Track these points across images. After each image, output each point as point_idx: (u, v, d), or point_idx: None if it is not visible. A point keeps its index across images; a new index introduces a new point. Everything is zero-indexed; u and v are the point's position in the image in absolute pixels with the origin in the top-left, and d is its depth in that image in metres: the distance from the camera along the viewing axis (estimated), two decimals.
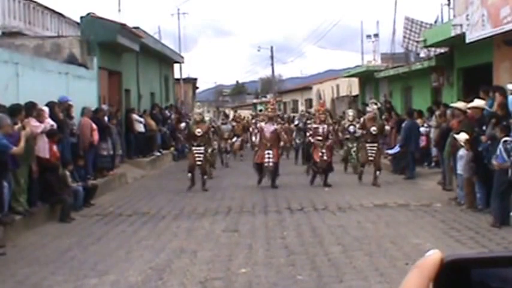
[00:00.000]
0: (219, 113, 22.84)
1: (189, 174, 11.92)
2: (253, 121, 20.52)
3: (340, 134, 14.84)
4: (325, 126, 12.27)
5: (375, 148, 12.39)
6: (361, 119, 13.26)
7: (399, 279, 2.86)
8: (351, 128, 14.19)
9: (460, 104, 10.09)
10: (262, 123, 12.45)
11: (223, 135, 16.50)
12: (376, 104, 13.40)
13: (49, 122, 9.51)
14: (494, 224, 7.69)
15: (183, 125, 13.22)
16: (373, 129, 12.32)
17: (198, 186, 11.91)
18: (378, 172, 12.19)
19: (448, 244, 6.80)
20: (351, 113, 15.25)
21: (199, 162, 11.85)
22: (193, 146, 12.04)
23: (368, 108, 13.12)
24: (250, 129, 22.22)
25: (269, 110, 12.82)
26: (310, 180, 12.18)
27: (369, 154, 12.29)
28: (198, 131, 11.86)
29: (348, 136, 14.48)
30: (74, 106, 11.55)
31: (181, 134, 13.53)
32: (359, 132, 12.81)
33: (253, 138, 13.14)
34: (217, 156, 16.27)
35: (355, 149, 14.27)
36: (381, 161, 12.89)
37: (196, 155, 11.86)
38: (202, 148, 11.91)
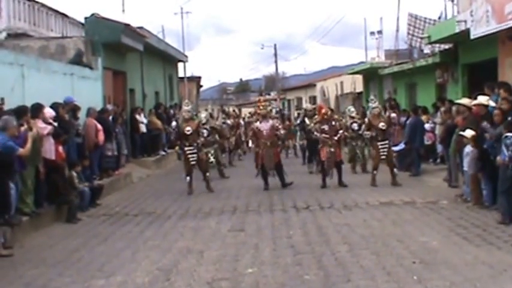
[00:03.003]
0: (223, 111, 22.68)
1: (187, 178, 11.55)
2: (251, 119, 20.35)
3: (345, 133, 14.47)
4: (332, 123, 11.87)
5: (387, 146, 11.89)
6: (366, 120, 12.65)
7: (406, 278, 2.92)
8: (355, 126, 13.93)
9: (465, 101, 10.04)
10: (257, 123, 11.95)
11: (226, 135, 16.24)
12: (374, 100, 12.71)
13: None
14: (502, 221, 7.66)
15: (174, 124, 12.64)
16: (382, 125, 11.83)
17: (201, 187, 11.81)
18: (395, 169, 11.79)
19: (455, 242, 6.79)
20: (352, 109, 14.90)
21: (193, 162, 11.53)
22: (185, 146, 11.67)
23: (371, 104, 12.49)
24: (242, 122, 22.04)
25: (260, 108, 12.27)
26: (321, 184, 11.62)
27: (381, 153, 11.77)
28: (188, 129, 11.49)
29: (352, 134, 14.11)
30: (81, 107, 11.59)
31: (172, 134, 12.79)
32: (368, 134, 12.24)
33: (250, 143, 12.58)
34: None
35: (359, 147, 13.99)
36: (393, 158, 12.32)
37: (189, 155, 11.53)
38: (193, 147, 11.54)
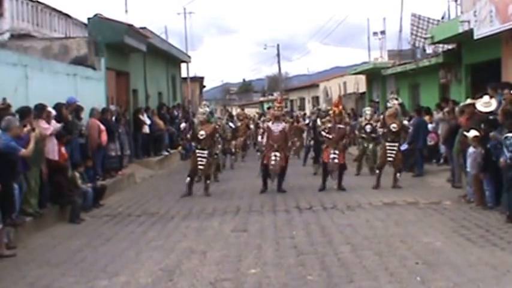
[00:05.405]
0: (226, 111, 22.63)
1: (188, 179, 11.32)
2: (261, 120, 20.24)
3: (356, 132, 14.13)
4: (342, 126, 11.49)
5: (395, 148, 11.56)
6: (381, 116, 12.49)
7: (409, 279, 2.92)
8: (368, 128, 13.73)
9: (469, 102, 10.02)
10: (269, 123, 11.63)
11: (227, 136, 16.11)
12: (397, 99, 12.44)
13: (55, 124, 9.54)
14: (508, 218, 7.65)
15: (183, 125, 12.41)
16: (393, 126, 11.51)
17: (201, 190, 11.56)
18: (398, 174, 11.54)
19: (459, 243, 6.77)
20: (368, 111, 14.54)
21: (201, 167, 11.20)
22: (196, 148, 11.41)
23: (388, 104, 12.29)
24: (251, 126, 21.87)
25: (275, 108, 11.90)
26: (320, 186, 11.35)
27: (388, 155, 11.50)
28: (201, 134, 11.22)
29: (364, 135, 13.90)
30: (84, 108, 11.61)
31: (184, 135, 12.54)
32: (380, 130, 11.97)
33: (259, 138, 12.14)
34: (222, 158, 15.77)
35: (370, 148, 13.74)
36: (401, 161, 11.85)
37: (199, 158, 11.23)
38: (205, 152, 11.25)
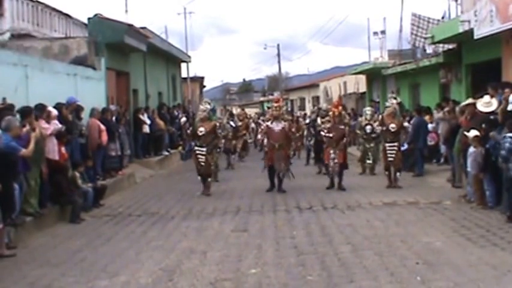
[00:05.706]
0: (226, 111, 22.64)
1: (199, 177, 11.43)
2: (260, 119, 20.17)
3: (357, 131, 14.26)
4: (342, 126, 11.51)
5: (395, 148, 11.59)
6: (380, 116, 12.56)
7: (410, 279, 2.93)
8: (368, 128, 13.79)
9: (470, 102, 10.01)
10: (268, 123, 11.62)
11: (228, 136, 16.07)
12: (395, 98, 12.41)
13: (56, 124, 9.55)
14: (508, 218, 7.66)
15: (183, 119, 12.48)
16: (392, 126, 11.52)
17: (201, 189, 11.53)
18: (398, 173, 11.59)
19: (459, 243, 6.77)
20: (368, 111, 14.53)
21: (202, 163, 11.25)
22: (196, 145, 11.47)
23: (387, 103, 12.30)
24: (252, 126, 21.73)
25: (273, 108, 11.85)
26: (328, 184, 11.49)
27: (388, 155, 11.55)
28: (201, 130, 11.23)
29: (364, 136, 13.99)
30: (84, 108, 11.61)
31: (184, 130, 12.52)
32: (378, 129, 12.07)
33: (259, 136, 12.21)
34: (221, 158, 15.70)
35: (371, 148, 13.80)
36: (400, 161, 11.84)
37: (199, 156, 11.27)
38: (204, 149, 11.26)
